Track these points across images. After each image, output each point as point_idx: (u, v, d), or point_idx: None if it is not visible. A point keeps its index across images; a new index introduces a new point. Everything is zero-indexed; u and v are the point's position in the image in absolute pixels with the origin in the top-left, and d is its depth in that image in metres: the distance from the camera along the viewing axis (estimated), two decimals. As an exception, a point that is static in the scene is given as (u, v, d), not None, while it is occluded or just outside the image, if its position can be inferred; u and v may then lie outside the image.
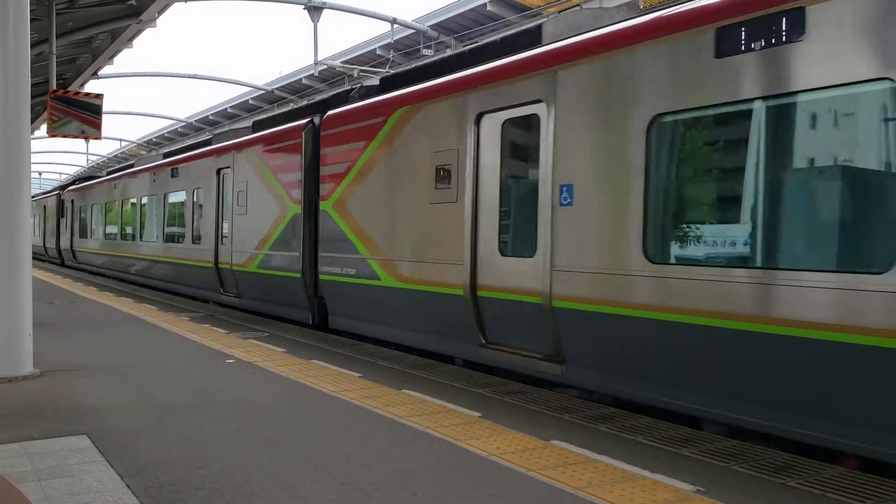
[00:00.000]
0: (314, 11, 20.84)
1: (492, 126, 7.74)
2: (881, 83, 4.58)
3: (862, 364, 4.65)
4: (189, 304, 14.51)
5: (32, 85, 8.11)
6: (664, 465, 4.76)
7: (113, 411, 6.17)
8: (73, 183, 30.64)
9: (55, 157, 62.27)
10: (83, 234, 25.79)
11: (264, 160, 12.51)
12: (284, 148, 11.91)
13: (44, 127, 19.83)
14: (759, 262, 5.35)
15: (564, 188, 6.79)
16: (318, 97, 22.89)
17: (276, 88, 31.44)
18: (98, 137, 17.97)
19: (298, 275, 11.17)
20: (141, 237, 19.20)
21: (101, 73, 22.80)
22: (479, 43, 10.15)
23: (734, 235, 5.72)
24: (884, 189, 4.82)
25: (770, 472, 4.66)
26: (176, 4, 17.42)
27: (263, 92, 32.29)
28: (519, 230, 7.54)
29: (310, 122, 11.29)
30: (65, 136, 17.69)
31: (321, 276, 10.70)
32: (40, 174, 63.85)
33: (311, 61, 23.48)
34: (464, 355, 8.25)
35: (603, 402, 6.47)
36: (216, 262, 13.96)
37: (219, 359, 8.63)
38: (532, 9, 20.53)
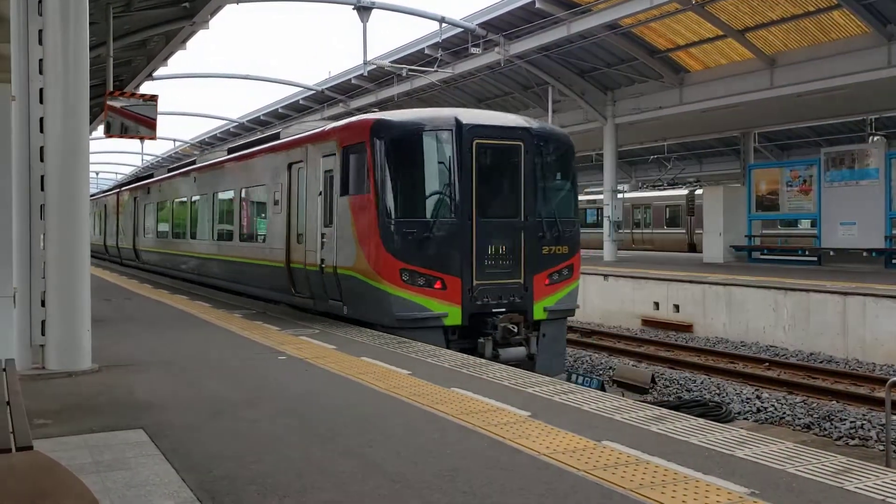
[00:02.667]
0: (363, 11, 20.97)
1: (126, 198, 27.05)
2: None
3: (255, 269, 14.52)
4: (243, 302, 14.72)
5: (90, 87, 8.30)
6: (717, 467, 4.68)
7: (168, 406, 6.30)
8: None
9: (112, 158, 63.80)
10: None
11: (112, 203, 29.59)
12: (112, 199, 29.89)
13: (101, 128, 20.29)
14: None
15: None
16: (366, 98, 26.66)
17: (327, 89, 31.72)
18: (153, 138, 18.36)
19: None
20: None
21: (155, 74, 23.28)
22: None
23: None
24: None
25: (827, 476, 4.55)
26: (228, 6, 17.70)
27: (314, 92, 32.59)
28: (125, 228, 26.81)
29: (119, 190, 29.35)
30: (121, 137, 18.11)
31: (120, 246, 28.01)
32: (97, 174, 65.39)
33: (361, 61, 23.63)
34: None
35: (655, 403, 6.41)
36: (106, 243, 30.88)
37: (271, 355, 8.74)
38: (581, 5, 20.35)
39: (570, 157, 11.57)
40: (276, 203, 13.26)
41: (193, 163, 20.74)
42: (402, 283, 10.01)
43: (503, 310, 10.39)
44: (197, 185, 18.43)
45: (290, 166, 12.77)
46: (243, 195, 15.45)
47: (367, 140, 10.38)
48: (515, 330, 10.30)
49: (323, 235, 11.49)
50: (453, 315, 10.15)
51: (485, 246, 10.34)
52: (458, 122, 10.35)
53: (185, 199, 19.39)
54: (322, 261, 11.46)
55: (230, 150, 17.85)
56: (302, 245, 12.18)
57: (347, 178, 10.85)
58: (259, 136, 19.71)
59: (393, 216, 10.18)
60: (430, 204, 10.41)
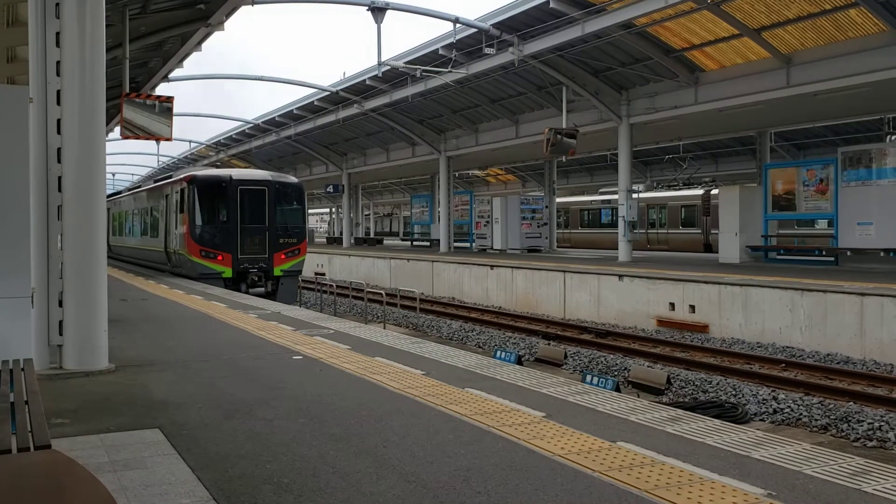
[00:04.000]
0: (377, 12, 20.98)
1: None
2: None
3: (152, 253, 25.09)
4: (258, 303, 14.78)
5: (107, 88, 8.36)
6: (733, 468, 4.67)
7: (184, 406, 6.33)
8: None
9: (128, 159, 64.14)
10: None
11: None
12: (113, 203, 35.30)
13: (117, 129, 20.42)
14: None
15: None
16: (380, 99, 27.43)
17: (341, 90, 31.76)
18: (169, 139, 18.46)
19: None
20: None
21: (171, 75, 23.38)
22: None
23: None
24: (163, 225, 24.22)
25: (845, 477, 4.52)
26: (243, 7, 17.74)
27: (328, 93, 32.64)
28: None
29: (114, 197, 35.17)
30: (137, 138, 18.24)
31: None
32: (114, 175, 65.74)
33: (375, 62, 23.63)
34: None
35: (670, 404, 6.38)
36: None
37: (286, 355, 8.77)
38: (596, 5, 20.29)
39: (298, 194, 21.60)
40: (162, 215, 23.21)
41: (138, 186, 33.19)
42: (200, 256, 19.78)
43: (256, 269, 20.17)
44: (136, 202, 29.09)
45: (167, 195, 22.58)
46: (153, 210, 25.12)
47: (187, 185, 20.31)
48: (258, 279, 20.13)
49: (175, 233, 21.16)
50: (227, 272, 19.81)
51: (245, 239, 20.11)
52: (230, 177, 20.56)
53: (130, 210, 30.11)
54: (175, 247, 21.34)
55: (154, 181, 28.34)
56: (170, 238, 22.04)
57: (182, 203, 20.51)
58: (171, 174, 28.93)
59: (196, 223, 20.06)
60: (216, 217, 20.27)
